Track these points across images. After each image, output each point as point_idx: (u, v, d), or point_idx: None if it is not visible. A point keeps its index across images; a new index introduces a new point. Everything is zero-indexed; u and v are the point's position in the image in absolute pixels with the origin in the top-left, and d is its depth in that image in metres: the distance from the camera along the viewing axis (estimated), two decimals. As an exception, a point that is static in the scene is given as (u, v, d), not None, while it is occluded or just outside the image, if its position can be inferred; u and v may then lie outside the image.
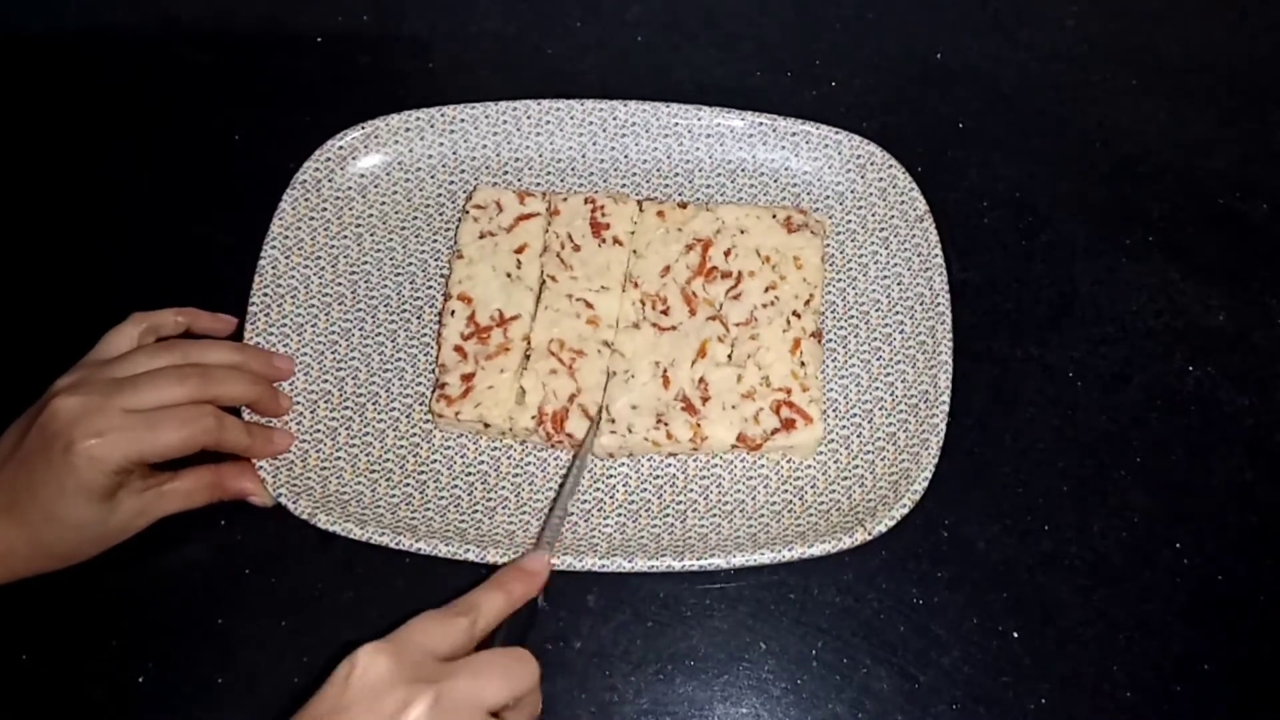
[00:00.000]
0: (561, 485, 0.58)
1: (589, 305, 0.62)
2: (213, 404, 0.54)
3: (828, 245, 0.65)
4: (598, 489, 0.59)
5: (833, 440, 0.60)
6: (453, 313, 0.61)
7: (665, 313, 0.62)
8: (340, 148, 0.66)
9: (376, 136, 0.67)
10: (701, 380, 0.59)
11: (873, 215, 0.66)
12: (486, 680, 0.42)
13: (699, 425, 0.58)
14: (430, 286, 0.65)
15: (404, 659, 0.41)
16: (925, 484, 0.56)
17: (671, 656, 0.56)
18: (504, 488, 0.59)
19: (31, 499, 0.50)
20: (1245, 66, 0.75)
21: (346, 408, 0.61)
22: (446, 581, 0.57)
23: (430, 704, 0.40)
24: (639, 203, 0.65)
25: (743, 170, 0.68)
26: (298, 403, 0.60)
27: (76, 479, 0.50)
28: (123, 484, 0.52)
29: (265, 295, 0.63)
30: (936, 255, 0.63)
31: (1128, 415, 0.62)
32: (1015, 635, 0.56)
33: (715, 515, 0.58)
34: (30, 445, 0.51)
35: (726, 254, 0.63)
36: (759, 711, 0.55)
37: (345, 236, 0.66)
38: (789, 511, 0.58)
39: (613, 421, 0.58)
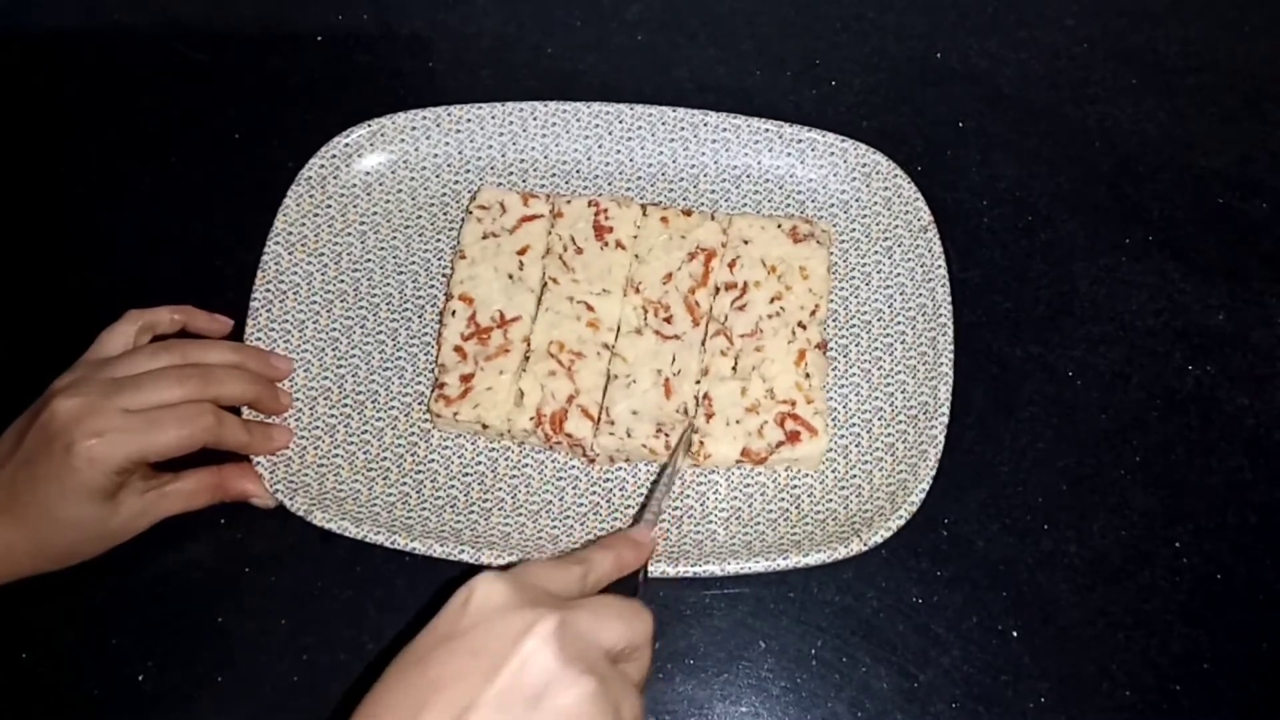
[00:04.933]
0: (663, 468, 0.58)
1: (590, 308, 0.62)
2: (212, 403, 0.54)
3: (831, 254, 0.65)
4: (594, 493, 0.59)
5: (831, 450, 0.60)
6: (454, 313, 0.61)
7: (669, 320, 0.62)
8: (346, 145, 0.67)
9: (382, 135, 0.67)
10: (706, 396, 0.59)
11: (876, 224, 0.66)
12: (606, 620, 0.40)
13: (702, 443, 0.58)
14: (432, 286, 0.65)
15: (522, 588, 0.40)
16: (922, 495, 0.56)
17: (671, 655, 0.56)
18: (501, 489, 0.59)
19: (32, 499, 0.50)
20: (1245, 66, 0.75)
21: (345, 405, 0.61)
22: (446, 582, 0.57)
23: (555, 627, 0.38)
24: (643, 207, 0.65)
25: (747, 176, 0.68)
26: (297, 399, 0.61)
27: (77, 479, 0.50)
28: (124, 484, 0.52)
29: (267, 291, 0.63)
30: (939, 265, 0.63)
31: (1127, 414, 0.62)
32: (1014, 634, 0.57)
33: (711, 522, 0.58)
34: (30, 445, 0.51)
35: (731, 265, 0.63)
36: (758, 710, 0.55)
37: (348, 234, 0.66)
38: (785, 520, 0.58)
39: (612, 424, 0.58)
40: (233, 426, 0.55)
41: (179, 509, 0.55)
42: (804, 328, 0.61)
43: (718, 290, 0.63)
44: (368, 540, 0.55)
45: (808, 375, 0.60)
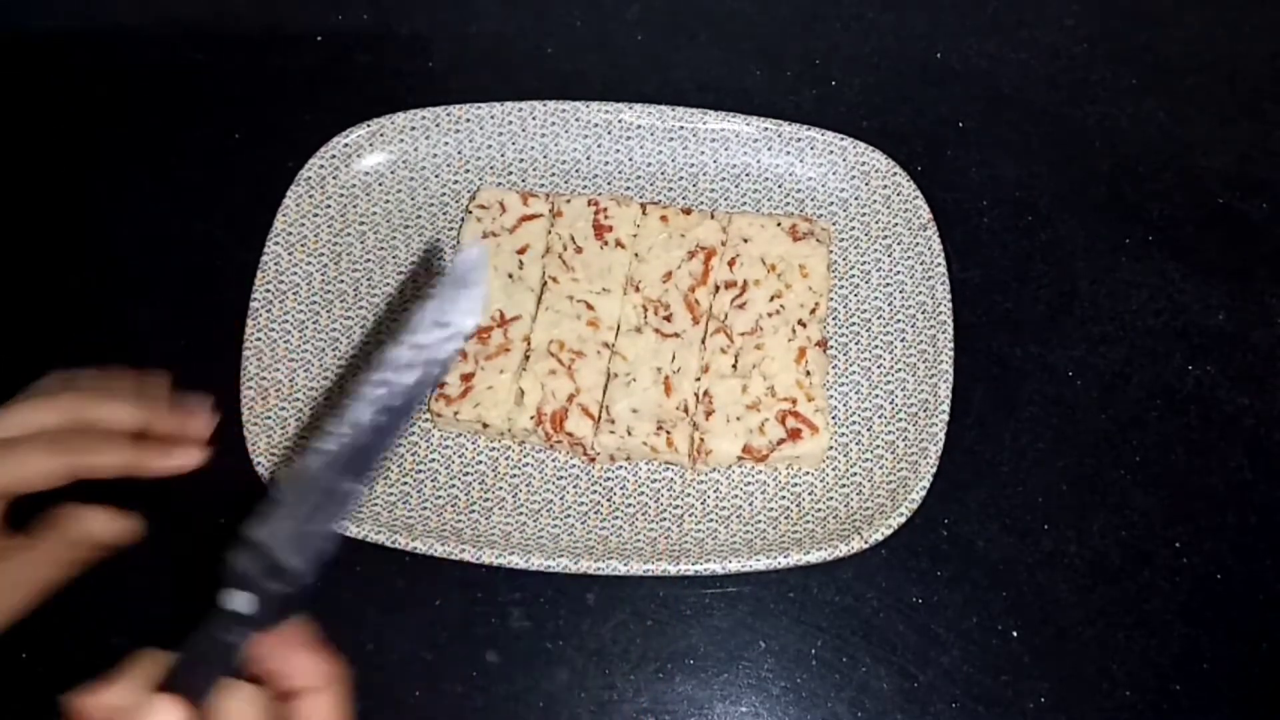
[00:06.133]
0: None
1: (590, 307, 0.62)
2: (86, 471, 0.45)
3: (831, 252, 0.65)
4: (595, 492, 0.59)
5: (831, 448, 0.60)
6: (453, 312, 0.61)
7: (668, 319, 0.62)
8: (345, 145, 0.67)
9: (382, 134, 0.67)
10: (706, 394, 0.59)
11: (876, 222, 0.66)
12: None
13: (702, 439, 0.58)
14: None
15: None
16: (923, 493, 0.56)
17: (671, 655, 0.56)
18: (501, 488, 0.59)
19: None
20: (1245, 66, 0.75)
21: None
22: (446, 582, 0.57)
23: None
24: (642, 206, 0.65)
25: (747, 175, 0.67)
26: (297, 399, 0.61)
27: None
28: None
29: (267, 291, 0.63)
30: (939, 263, 0.63)
31: (1127, 414, 0.62)
32: (1015, 634, 0.57)
33: (712, 520, 0.58)
34: None
35: (731, 264, 0.63)
36: (758, 710, 0.55)
37: (348, 234, 0.66)
38: (786, 518, 0.58)
39: (612, 422, 0.58)
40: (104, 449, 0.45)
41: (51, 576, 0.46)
42: (804, 325, 0.61)
43: (717, 288, 0.63)
44: (368, 540, 0.55)
45: (808, 373, 0.60)
